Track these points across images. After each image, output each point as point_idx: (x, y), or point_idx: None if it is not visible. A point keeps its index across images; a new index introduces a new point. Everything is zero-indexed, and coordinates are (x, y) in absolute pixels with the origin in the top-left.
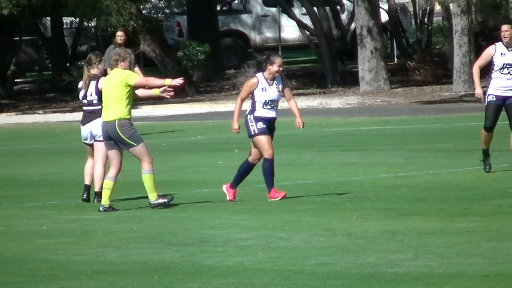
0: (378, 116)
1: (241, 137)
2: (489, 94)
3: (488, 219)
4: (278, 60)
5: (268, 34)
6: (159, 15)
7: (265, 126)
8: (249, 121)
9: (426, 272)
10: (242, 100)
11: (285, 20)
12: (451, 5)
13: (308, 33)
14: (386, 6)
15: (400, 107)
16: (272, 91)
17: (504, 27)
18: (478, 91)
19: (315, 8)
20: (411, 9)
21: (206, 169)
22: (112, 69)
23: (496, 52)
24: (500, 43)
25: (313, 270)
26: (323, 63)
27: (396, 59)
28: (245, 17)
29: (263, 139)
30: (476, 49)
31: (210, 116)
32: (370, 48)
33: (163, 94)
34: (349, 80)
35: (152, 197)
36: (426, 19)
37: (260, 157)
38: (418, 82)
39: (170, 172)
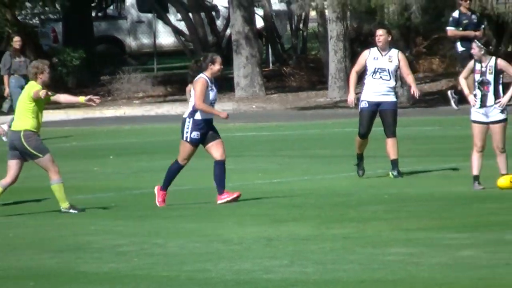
0: (254, 122)
1: (117, 144)
2: (362, 100)
3: (364, 225)
4: (219, 59)
5: (144, 40)
6: (35, 21)
7: (199, 138)
8: (186, 126)
9: (301, 278)
10: (204, 101)
11: (160, 26)
12: (326, 11)
13: (183, 39)
14: (261, 12)
15: (276, 113)
16: (215, 92)
17: (379, 32)
18: (351, 97)
19: (190, 14)
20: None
21: (81, 175)
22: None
23: (370, 57)
24: (375, 48)
25: (189, 276)
26: None
27: (271, 65)
28: (120, 23)
29: (187, 149)
30: (352, 55)
31: (85, 122)
32: (245, 54)
33: (89, 103)
34: (225, 86)
35: (64, 205)
36: (301, 25)
37: (221, 151)
38: (293, 88)
39: (44, 178)
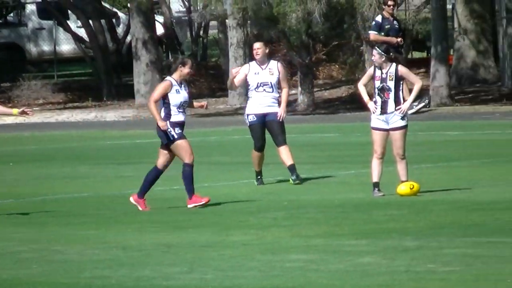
0: (154, 129)
1: (17, 150)
2: (248, 114)
3: (264, 232)
4: (189, 62)
5: (45, 47)
6: None
7: (181, 131)
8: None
9: (201, 285)
10: (156, 102)
11: (61, 33)
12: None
13: (83, 46)
14: (161, 19)
15: None
16: (184, 93)
17: (256, 45)
18: (232, 74)
19: (90, 21)
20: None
21: None
22: None
23: (250, 72)
24: (254, 62)
25: (88, 283)
26: (98, 76)
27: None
28: (21, 30)
29: (184, 144)
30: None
31: None
32: (145, 61)
33: (23, 115)
34: (125, 93)
35: None
36: (201, 32)
37: (168, 164)
38: (193, 95)
39: None
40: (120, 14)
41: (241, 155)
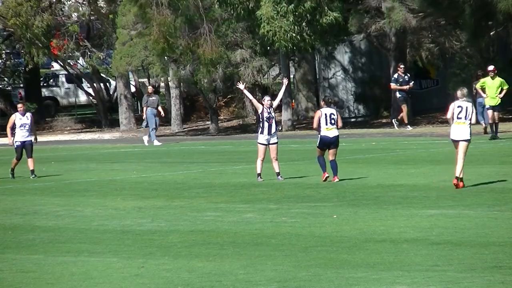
0: (129, 143)
1: (54, 155)
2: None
3: None
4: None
5: (70, 99)
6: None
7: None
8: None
9: None
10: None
11: (79, 91)
12: (169, 81)
13: (91, 98)
14: (133, 82)
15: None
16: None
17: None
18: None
19: (94, 84)
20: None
21: None
22: None
23: None
24: None
25: None
26: (99, 114)
27: (140, 112)
28: (56, 89)
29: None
30: (184, 107)
31: None
32: (125, 106)
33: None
34: (114, 124)
35: None
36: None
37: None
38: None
39: None
40: (111, 80)
41: None
